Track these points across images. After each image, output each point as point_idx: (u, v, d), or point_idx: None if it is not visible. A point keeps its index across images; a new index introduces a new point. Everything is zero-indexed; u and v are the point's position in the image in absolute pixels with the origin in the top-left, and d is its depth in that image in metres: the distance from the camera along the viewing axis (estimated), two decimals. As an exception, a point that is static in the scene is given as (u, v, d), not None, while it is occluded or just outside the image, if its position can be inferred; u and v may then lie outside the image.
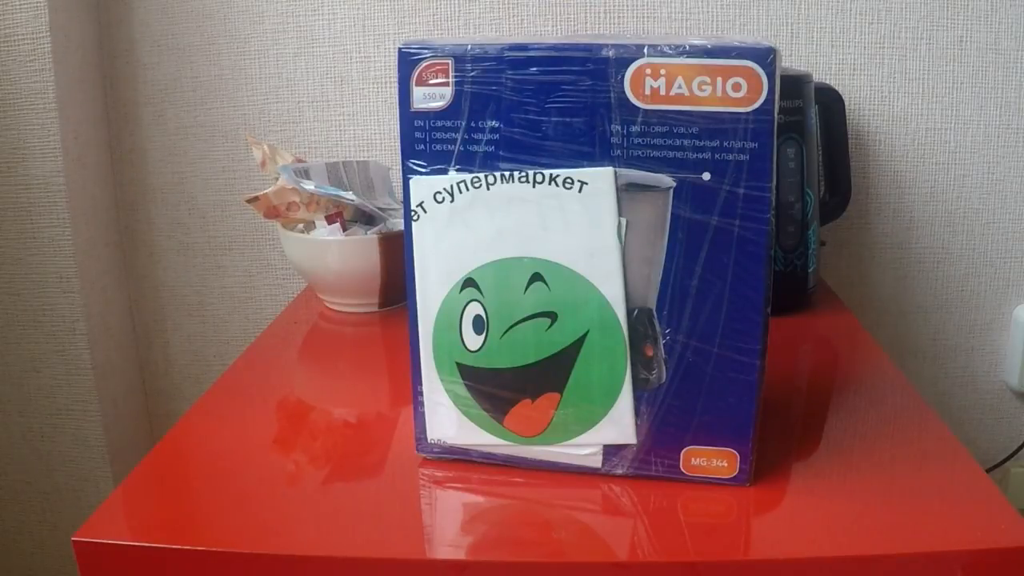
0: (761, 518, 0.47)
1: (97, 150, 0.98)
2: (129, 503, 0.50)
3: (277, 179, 0.82)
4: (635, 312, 0.47)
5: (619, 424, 0.49)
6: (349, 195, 0.81)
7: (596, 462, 0.50)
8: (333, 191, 0.81)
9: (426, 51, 0.46)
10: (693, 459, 0.49)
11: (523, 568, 0.44)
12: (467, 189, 0.47)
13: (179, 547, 0.45)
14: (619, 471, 0.50)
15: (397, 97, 0.50)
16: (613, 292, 0.47)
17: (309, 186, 0.80)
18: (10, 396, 0.98)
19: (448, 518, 0.48)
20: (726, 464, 0.49)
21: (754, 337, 0.47)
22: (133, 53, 0.98)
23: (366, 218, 0.85)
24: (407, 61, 0.46)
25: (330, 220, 0.82)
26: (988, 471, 1.00)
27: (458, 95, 0.46)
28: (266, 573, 0.45)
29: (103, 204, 1.00)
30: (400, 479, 0.52)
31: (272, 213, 0.82)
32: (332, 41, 0.96)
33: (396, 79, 0.47)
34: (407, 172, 0.48)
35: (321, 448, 0.56)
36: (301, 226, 0.85)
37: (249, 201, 0.81)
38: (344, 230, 0.81)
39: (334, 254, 0.79)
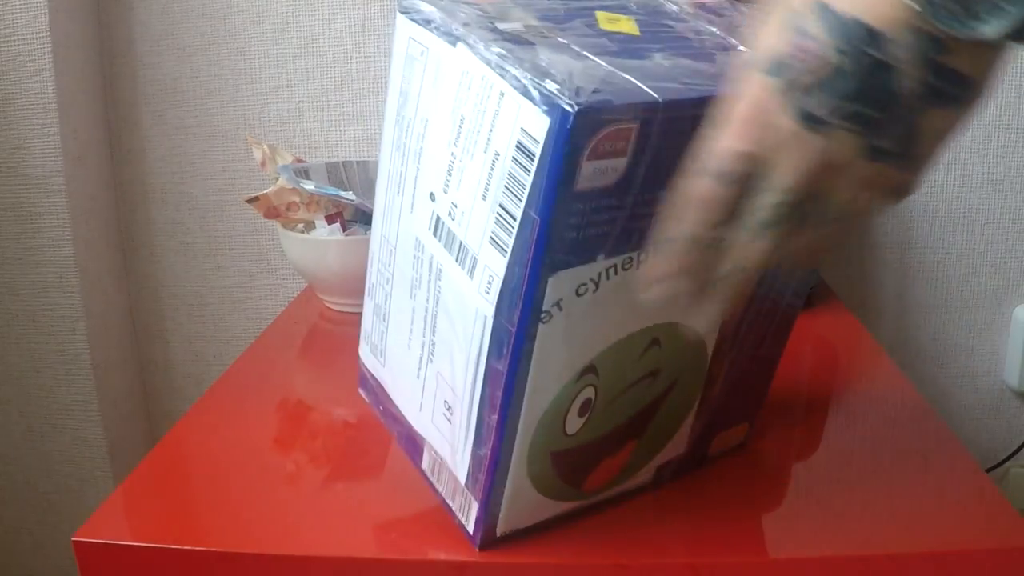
0: (761, 518, 0.47)
1: (97, 150, 0.98)
2: (129, 503, 0.50)
3: (277, 179, 0.82)
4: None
5: (677, 443, 0.49)
6: (349, 195, 0.81)
7: (647, 480, 0.49)
8: (333, 191, 0.81)
9: (606, 113, 0.32)
10: (716, 441, 0.51)
11: (523, 568, 0.44)
12: (615, 274, 0.37)
13: (179, 547, 0.45)
14: (666, 479, 0.50)
15: (544, 175, 0.33)
16: (711, 337, 0.45)
17: (309, 186, 0.80)
18: (10, 396, 0.98)
19: (448, 518, 0.48)
20: (739, 435, 0.53)
21: (786, 336, 0.50)
22: (133, 53, 0.98)
23: (366, 218, 0.85)
24: (583, 129, 0.32)
25: (330, 220, 0.82)
26: (988, 471, 1.00)
27: (634, 164, 0.35)
28: (266, 573, 0.45)
29: (103, 204, 1.00)
30: (400, 479, 0.52)
31: (272, 213, 0.82)
32: (332, 41, 0.96)
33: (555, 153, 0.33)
34: (546, 269, 0.35)
35: (321, 448, 0.56)
36: (301, 226, 0.85)
37: (249, 201, 0.81)
38: (344, 230, 0.81)
39: (334, 254, 0.79)
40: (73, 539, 0.46)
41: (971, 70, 0.31)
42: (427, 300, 0.41)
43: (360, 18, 0.95)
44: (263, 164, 0.84)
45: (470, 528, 0.44)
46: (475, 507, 0.42)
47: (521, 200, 0.34)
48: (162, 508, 0.50)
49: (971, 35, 0.30)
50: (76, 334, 0.95)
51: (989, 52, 0.31)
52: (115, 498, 0.50)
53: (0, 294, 0.95)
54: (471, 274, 0.38)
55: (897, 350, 1.01)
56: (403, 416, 0.47)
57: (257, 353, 0.74)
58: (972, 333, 1.00)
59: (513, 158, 0.34)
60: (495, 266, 0.36)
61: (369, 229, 0.82)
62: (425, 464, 0.46)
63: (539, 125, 0.33)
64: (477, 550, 0.44)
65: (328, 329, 0.81)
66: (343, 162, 0.86)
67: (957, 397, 1.02)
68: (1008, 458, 1.01)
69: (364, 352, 0.50)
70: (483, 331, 0.38)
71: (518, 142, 0.34)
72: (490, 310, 0.37)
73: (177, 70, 0.98)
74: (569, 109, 0.32)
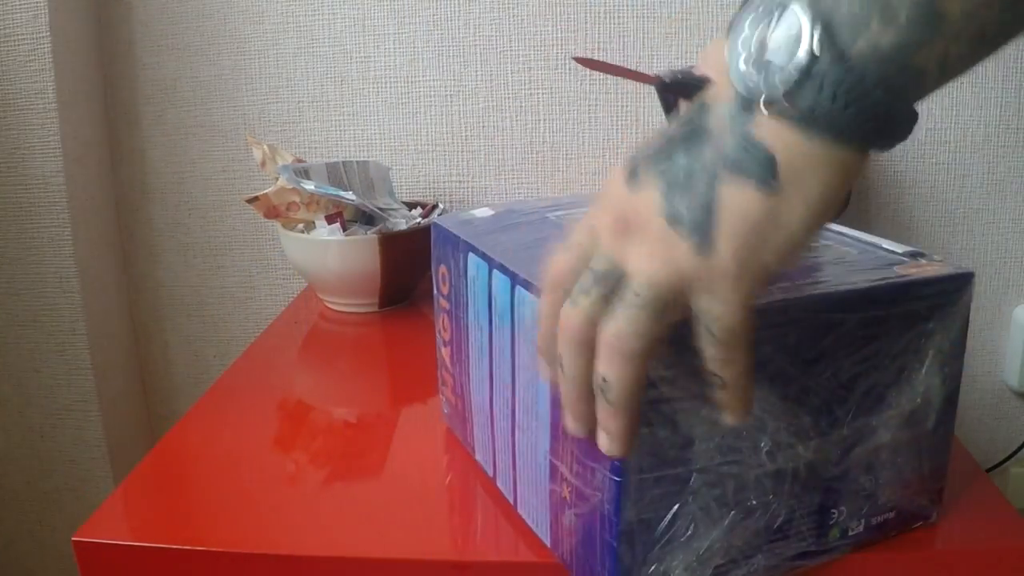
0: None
1: (97, 150, 0.98)
2: (129, 503, 0.50)
3: (277, 179, 0.82)
4: None
5: None
6: (349, 195, 0.81)
7: None
8: (333, 191, 0.81)
9: None
10: None
11: (523, 568, 0.44)
12: None
13: (179, 547, 0.45)
14: None
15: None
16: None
17: (309, 186, 0.80)
18: (10, 396, 0.98)
19: (448, 518, 0.48)
20: None
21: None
22: (133, 53, 0.98)
23: (366, 218, 0.85)
24: None
25: (330, 220, 0.82)
26: (988, 471, 1.00)
27: None
28: (266, 573, 0.45)
29: (103, 204, 1.00)
30: (400, 479, 0.52)
31: (272, 213, 0.82)
32: (332, 41, 0.96)
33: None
34: None
35: (321, 448, 0.56)
36: (301, 226, 0.85)
37: (249, 201, 0.81)
38: (344, 230, 0.81)
39: (334, 254, 0.79)
40: (73, 539, 0.46)
41: (774, 146, 0.30)
42: None
43: (360, 18, 0.95)
44: (263, 164, 0.84)
45: None
46: None
47: None
48: (162, 508, 0.50)
49: (766, 97, 0.30)
50: (76, 334, 0.95)
51: (796, 136, 0.30)
52: (115, 498, 0.50)
53: (0, 294, 0.95)
54: None
55: (897, 350, 1.01)
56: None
57: (257, 353, 0.75)
58: (972, 333, 1.00)
59: None
60: None
61: (369, 229, 0.82)
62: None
63: None
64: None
65: (328, 329, 0.81)
66: (343, 162, 0.86)
67: (957, 397, 1.02)
68: (1008, 458, 1.01)
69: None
70: None
71: None
72: None
73: (177, 70, 0.98)
74: None
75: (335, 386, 0.69)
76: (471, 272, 0.48)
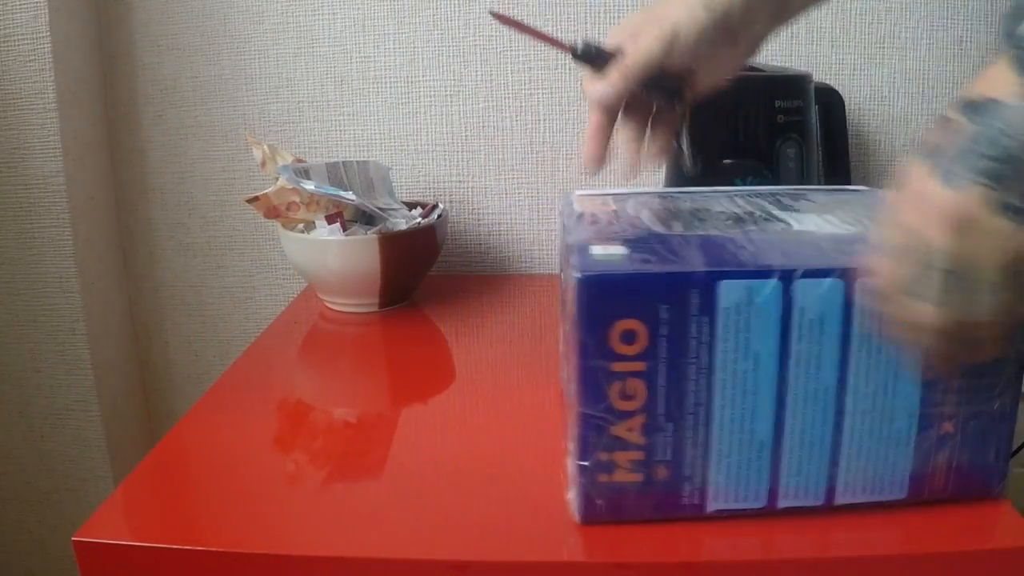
0: (761, 518, 0.47)
1: (97, 150, 0.98)
2: (129, 503, 0.50)
3: (277, 179, 0.82)
4: None
5: None
6: (349, 195, 0.81)
7: None
8: (333, 191, 0.81)
9: None
10: None
11: (523, 568, 0.44)
12: None
13: (179, 547, 0.45)
14: None
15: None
16: None
17: (309, 186, 0.80)
18: (10, 396, 0.98)
19: (448, 518, 0.48)
20: None
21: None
22: (133, 53, 0.98)
23: (366, 218, 0.85)
24: None
25: (330, 220, 0.82)
26: (988, 471, 1.00)
27: None
28: (266, 573, 0.45)
29: (103, 204, 1.00)
30: (399, 479, 0.52)
31: (272, 213, 0.82)
32: (332, 41, 0.96)
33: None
34: None
35: (321, 448, 0.56)
36: (301, 226, 0.85)
37: (249, 201, 0.81)
38: (344, 230, 0.81)
39: (334, 254, 0.79)
40: (73, 539, 0.46)
41: None
42: None
43: (360, 18, 0.95)
44: (263, 164, 0.84)
45: None
46: None
47: None
48: (162, 508, 0.50)
49: None
50: (76, 334, 0.95)
51: None
52: (115, 498, 0.50)
53: (0, 294, 0.95)
54: None
55: (897, 350, 1.01)
56: None
57: (257, 353, 0.75)
58: (972, 333, 1.00)
59: None
60: None
61: (369, 229, 0.83)
62: None
63: None
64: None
65: (328, 329, 0.81)
66: (343, 162, 0.86)
67: (957, 397, 1.02)
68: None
69: None
70: None
71: None
72: None
73: (177, 70, 0.98)
74: None
75: (335, 386, 0.69)
76: (727, 302, 0.42)
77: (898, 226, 0.39)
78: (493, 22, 0.93)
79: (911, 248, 0.38)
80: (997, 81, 0.36)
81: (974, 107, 0.37)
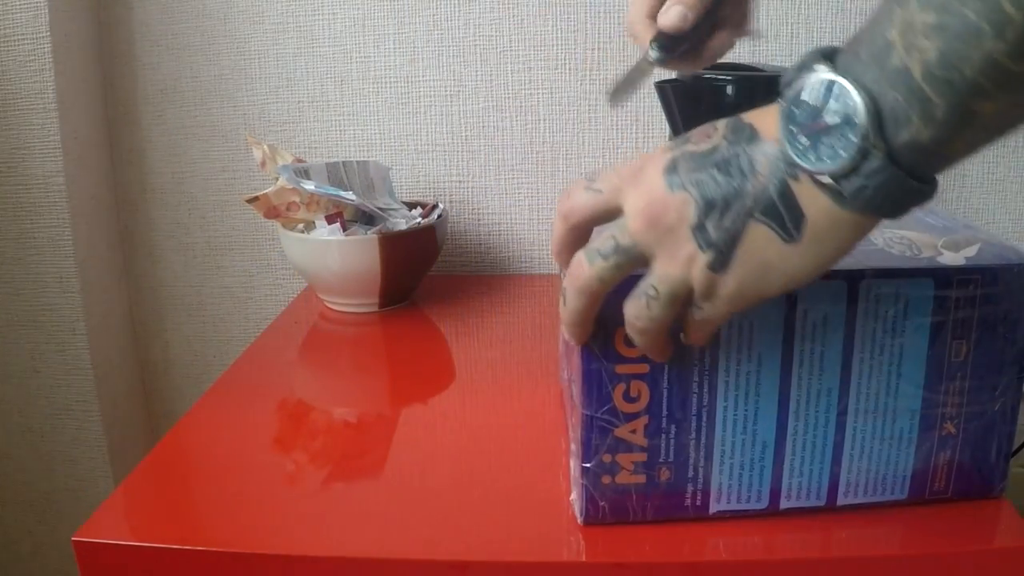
0: (761, 518, 0.47)
1: (97, 150, 0.98)
2: (129, 503, 0.50)
3: (277, 179, 0.82)
4: None
5: None
6: (349, 195, 0.81)
7: None
8: (333, 191, 0.81)
9: None
10: None
11: (524, 568, 0.44)
12: None
13: (179, 547, 0.45)
14: None
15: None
16: None
17: (309, 186, 0.80)
18: (10, 396, 0.98)
19: (448, 518, 0.48)
20: None
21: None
22: (133, 53, 0.98)
23: (366, 218, 0.85)
24: None
25: (330, 220, 0.82)
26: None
27: None
28: (266, 573, 0.45)
29: (103, 204, 1.00)
30: (400, 479, 0.52)
31: (272, 213, 0.82)
32: (332, 41, 0.96)
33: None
34: None
35: (321, 448, 0.56)
36: (301, 226, 0.85)
37: (249, 201, 0.81)
38: (344, 230, 0.81)
39: (334, 254, 0.79)
40: (73, 539, 0.46)
41: (808, 207, 0.33)
42: None
43: (360, 18, 0.95)
44: (263, 164, 0.84)
45: None
46: None
47: None
48: (162, 508, 0.50)
49: (813, 169, 0.33)
50: (76, 334, 0.95)
51: (830, 204, 0.33)
52: (115, 498, 0.50)
53: (0, 294, 0.95)
54: None
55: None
56: None
57: (257, 353, 0.75)
58: (972, 333, 1.00)
59: None
60: None
61: (369, 229, 0.82)
62: None
63: None
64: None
65: (328, 329, 0.81)
66: (343, 162, 0.86)
67: (957, 397, 1.02)
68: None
69: None
70: None
71: None
72: None
73: (177, 70, 0.98)
74: None
75: (335, 386, 0.69)
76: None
77: (612, 172, 0.39)
78: (493, 22, 0.94)
79: (604, 193, 0.39)
80: (768, 120, 0.35)
81: (736, 127, 0.36)
